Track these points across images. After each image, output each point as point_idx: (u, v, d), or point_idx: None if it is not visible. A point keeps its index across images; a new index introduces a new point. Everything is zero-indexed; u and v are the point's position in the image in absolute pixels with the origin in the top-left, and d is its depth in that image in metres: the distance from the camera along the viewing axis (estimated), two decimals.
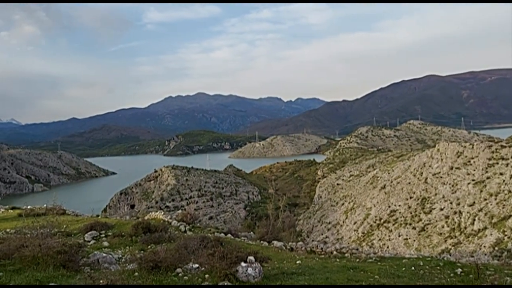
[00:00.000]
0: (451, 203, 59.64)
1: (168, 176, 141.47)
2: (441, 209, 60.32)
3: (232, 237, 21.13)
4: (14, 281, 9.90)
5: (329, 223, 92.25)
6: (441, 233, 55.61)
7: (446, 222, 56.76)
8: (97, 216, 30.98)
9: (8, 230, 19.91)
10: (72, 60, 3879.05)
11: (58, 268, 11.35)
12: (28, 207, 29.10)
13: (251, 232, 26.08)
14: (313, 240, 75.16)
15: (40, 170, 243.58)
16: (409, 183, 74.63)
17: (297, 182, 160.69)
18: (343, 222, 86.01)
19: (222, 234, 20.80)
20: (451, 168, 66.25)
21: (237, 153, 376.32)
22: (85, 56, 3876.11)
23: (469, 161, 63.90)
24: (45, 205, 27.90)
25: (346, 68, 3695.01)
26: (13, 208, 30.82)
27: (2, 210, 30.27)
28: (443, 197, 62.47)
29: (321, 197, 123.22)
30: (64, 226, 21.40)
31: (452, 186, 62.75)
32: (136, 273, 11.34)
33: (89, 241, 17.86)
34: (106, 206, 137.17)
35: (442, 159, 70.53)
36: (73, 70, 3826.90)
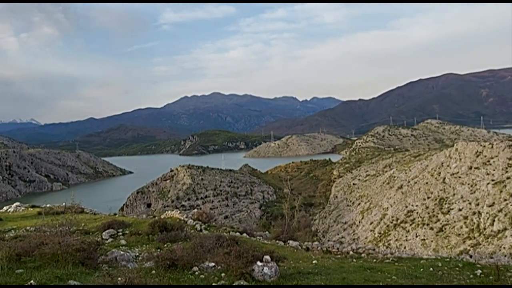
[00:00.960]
0: (470, 203, 58.54)
1: (184, 176, 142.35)
2: (460, 210, 59.27)
3: (247, 236, 21.16)
4: (34, 277, 10.08)
5: (345, 223, 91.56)
6: (459, 234, 54.63)
7: (465, 222, 55.72)
8: (115, 214, 31.47)
9: (28, 227, 20.31)
10: (89, 61, 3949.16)
11: (77, 266, 11.55)
12: (47, 205, 29.66)
13: (267, 232, 26.11)
14: (328, 240, 74.73)
15: (58, 169, 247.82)
16: (427, 183, 73.52)
17: (313, 181, 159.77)
18: (359, 222, 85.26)
19: (238, 233, 20.83)
20: (470, 168, 65.04)
21: (252, 153, 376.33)
22: (101, 57, 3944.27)
23: (489, 161, 62.62)
24: (63, 204, 28.36)
25: (362, 67, 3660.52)
26: (33, 207, 31.44)
27: (22, 208, 30.89)
28: (462, 197, 61.36)
29: (337, 197, 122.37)
30: (83, 224, 21.77)
31: (471, 186, 61.58)
32: (153, 271, 11.45)
33: (106, 239, 18.09)
34: (123, 205, 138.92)
35: (460, 159, 69.31)
36: (90, 71, 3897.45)
